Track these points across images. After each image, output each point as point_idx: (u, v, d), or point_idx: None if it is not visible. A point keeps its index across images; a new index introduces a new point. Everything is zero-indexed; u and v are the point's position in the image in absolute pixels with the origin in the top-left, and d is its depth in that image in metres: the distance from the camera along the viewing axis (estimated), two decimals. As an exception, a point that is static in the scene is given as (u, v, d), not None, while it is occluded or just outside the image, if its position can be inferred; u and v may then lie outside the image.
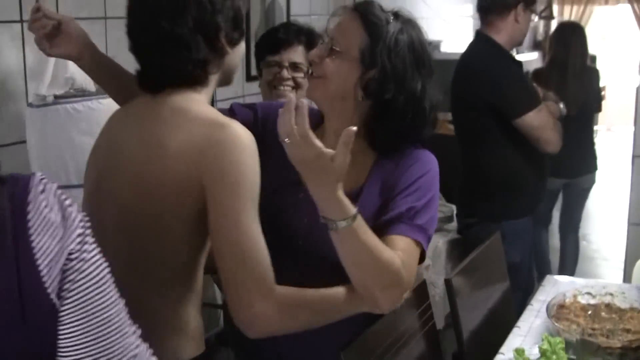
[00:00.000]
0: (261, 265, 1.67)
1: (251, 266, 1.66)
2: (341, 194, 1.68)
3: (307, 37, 2.94)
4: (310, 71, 2.02)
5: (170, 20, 1.75)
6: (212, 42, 1.79)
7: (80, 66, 2.08)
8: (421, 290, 2.43)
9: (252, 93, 2.93)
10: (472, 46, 3.88)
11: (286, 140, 1.62)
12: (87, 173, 1.93)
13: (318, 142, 1.62)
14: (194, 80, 1.80)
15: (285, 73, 2.87)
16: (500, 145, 3.60)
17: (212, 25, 1.78)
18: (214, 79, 1.84)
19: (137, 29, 1.81)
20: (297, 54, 2.90)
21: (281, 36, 2.90)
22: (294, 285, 1.76)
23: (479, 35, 3.79)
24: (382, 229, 1.84)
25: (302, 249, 1.96)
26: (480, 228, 3.50)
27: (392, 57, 1.92)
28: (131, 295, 1.31)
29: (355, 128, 1.63)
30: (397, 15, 1.99)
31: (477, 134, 3.70)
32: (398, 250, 1.82)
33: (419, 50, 1.97)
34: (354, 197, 1.83)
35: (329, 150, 1.63)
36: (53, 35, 1.98)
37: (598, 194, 6.57)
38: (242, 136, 1.69)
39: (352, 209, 1.70)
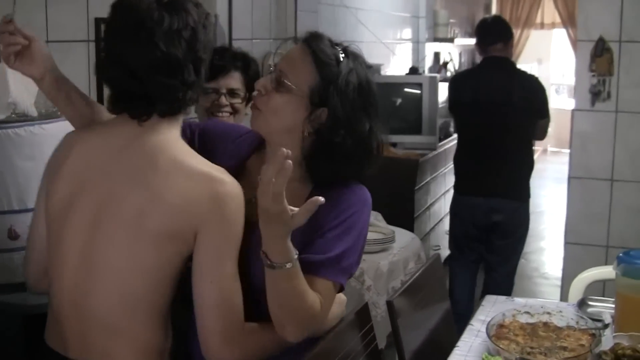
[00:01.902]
0: (234, 311, 1.82)
1: (225, 310, 1.82)
2: (288, 239, 1.76)
3: (243, 62, 2.96)
4: (246, 95, 2.06)
5: (167, 43, 1.83)
6: (198, 70, 1.91)
7: (40, 87, 2.08)
8: (363, 312, 2.45)
9: (192, 117, 2.95)
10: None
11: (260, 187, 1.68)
12: (50, 194, 1.96)
13: (285, 202, 1.69)
14: (180, 107, 1.93)
15: (223, 100, 2.89)
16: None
17: (199, 53, 1.91)
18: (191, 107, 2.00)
19: (128, 52, 1.84)
20: (234, 80, 2.91)
21: (217, 63, 2.85)
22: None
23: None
24: (307, 267, 1.88)
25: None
26: None
27: (343, 100, 1.94)
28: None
29: (321, 199, 1.70)
30: (346, 51, 2.01)
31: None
32: (318, 293, 1.90)
33: (367, 91, 2.01)
34: None
35: (293, 209, 1.70)
36: (19, 52, 1.98)
37: (536, 213, 6.70)
38: (236, 189, 1.87)
39: (294, 255, 1.79)
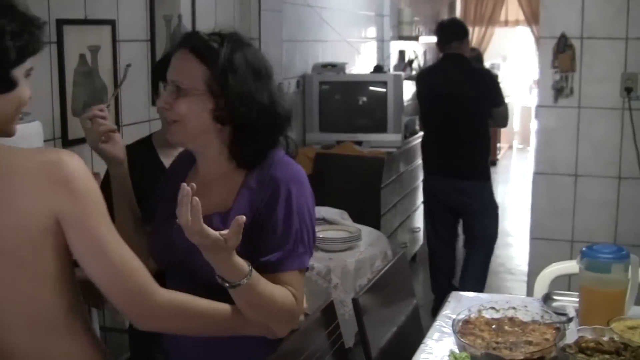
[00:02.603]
0: (134, 273, 1.78)
1: (124, 277, 1.77)
2: (235, 258, 1.84)
3: None
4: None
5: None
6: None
7: (118, 170, 2.26)
8: (329, 310, 2.45)
9: (157, 118, 2.93)
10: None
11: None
12: None
13: (212, 232, 1.76)
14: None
15: None
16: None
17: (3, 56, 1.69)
18: None
19: None
20: None
21: None
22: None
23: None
24: (269, 267, 1.98)
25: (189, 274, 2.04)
26: None
27: (236, 78, 2.02)
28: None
29: (244, 217, 1.78)
30: (222, 35, 2.07)
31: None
32: (288, 286, 1.99)
33: (254, 61, 2.07)
34: (222, 219, 1.99)
35: (222, 235, 1.77)
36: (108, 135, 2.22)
37: (502, 210, 6.75)
38: (73, 162, 1.73)
39: (246, 268, 1.86)
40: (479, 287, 5.43)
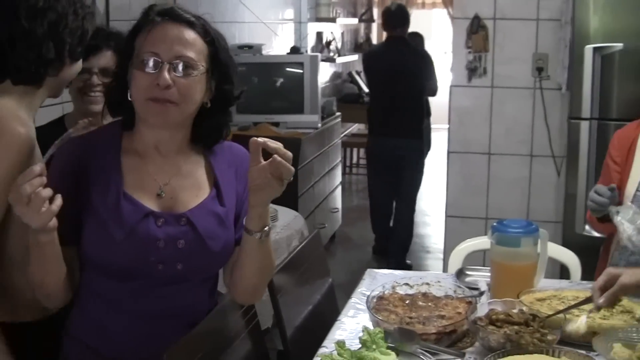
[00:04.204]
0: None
1: None
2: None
3: (117, 41, 2.88)
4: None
5: (29, 20, 1.95)
6: (59, 50, 2.02)
7: (48, 239, 1.91)
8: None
9: (69, 100, 2.86)
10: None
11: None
12: None
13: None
14: (34, 79, 2.02)
15: (95, 79, 2.80)
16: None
17: (62, 34, 2.02)
18: (48, 84, 2.06)
19: None
20: (106, 59, 2.82)
21: (89, 42, 2.80)
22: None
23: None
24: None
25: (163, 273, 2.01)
26: None
27: (224, 55, 2.03)
28: None
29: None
30: (196, 15, 2.03)
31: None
32: None
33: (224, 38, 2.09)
34: (214, 201, 2.06)
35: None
36: None
37: (421, 188, 6.85)
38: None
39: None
40: (410, 238, 6.68)
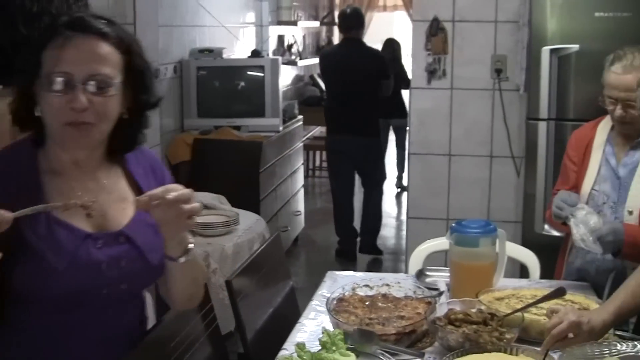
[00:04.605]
0: None
1: None
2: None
3: None
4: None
5: (26, 26, 2.02)
6: None
7: None
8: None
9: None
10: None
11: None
12: None
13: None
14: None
15: None
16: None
17: None
18: None
19: None
20: None
21: None
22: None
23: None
24: None
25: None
26: None
27: (139, 63, 1.90)
28: None
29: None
30: (104, 17, 1.89)
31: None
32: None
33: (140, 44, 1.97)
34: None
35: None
36: None
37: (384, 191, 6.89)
38: None
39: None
40: (379, 220, 6.96)
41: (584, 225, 2.72)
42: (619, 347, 2.14)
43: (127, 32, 1.90)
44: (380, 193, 6.98)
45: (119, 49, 1.84)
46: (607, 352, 2.10)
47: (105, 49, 1.81)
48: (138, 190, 1.96)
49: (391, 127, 8.85)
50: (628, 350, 2.11)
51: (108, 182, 1.95)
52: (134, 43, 1.89)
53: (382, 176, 7.03)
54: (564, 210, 2.80)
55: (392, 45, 8.65)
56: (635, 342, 2.14)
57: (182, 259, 1.88)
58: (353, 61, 6.49)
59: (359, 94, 6.47)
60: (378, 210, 6.95)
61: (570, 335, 2.11)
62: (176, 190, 1.76)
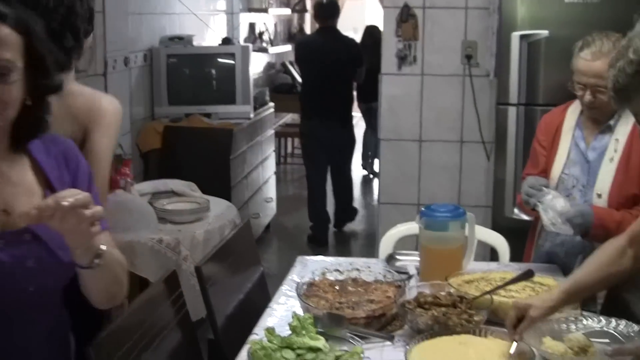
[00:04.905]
0: None
1: None
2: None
3: None
4: None
5: (45, 20, 1.97)
6: (76, 36, 2.27)
7: None
8: (172, 280, 2.42)
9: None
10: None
11: None
12: None
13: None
14: (63, 66, 2.10)
15: None
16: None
17: (75, 23, 2.26)
18: (74, 64, 2.33)
19: None
20: None
21: None
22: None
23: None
24: None
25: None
26: None
27: (39, 45, 1.77)
28: None
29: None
30: None
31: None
32: (111, 246, 1.87)
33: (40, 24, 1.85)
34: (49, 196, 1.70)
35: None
36: None
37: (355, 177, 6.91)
38: None
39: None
40: (351, 186, 7.31)
41: (552, 209, 2.73)
42: (585, 322, 2.16)
43: (26, 12, 1.80)
44: (349, 173, 7.27)
45: (17, 29, 1.71)
46: (574, 327, 2.13)
47: (4, 31, 1.69)
48: (46, 182, 1.84)
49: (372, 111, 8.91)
50: (594, 326, 2.14)
51: (13, 174, 1.81)
52: (33, 22, 1.78)
53: (351, 161, 7.26)
54: (532, 197, 2.82)
55: (372, 32, 8.67)
56: (602, 317, 2.16)
57: (95, 264, 1.72)
58: (329, 50, 6.69)
59: (334, 82, 6.68)
60: (349, 188, 7.27)
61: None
62: (73, 195, 1.60)
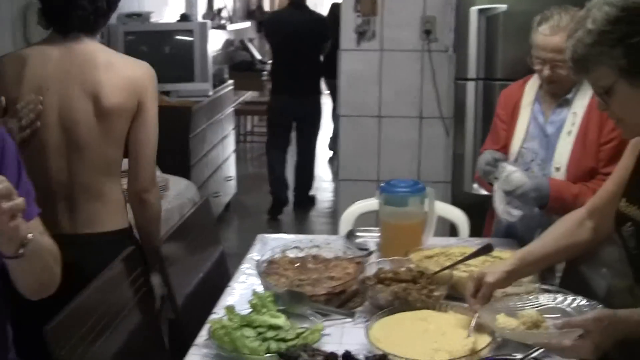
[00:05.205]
0: None
1: None
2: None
3: None
4: None
5: None
6: (110, 2, 2.56)
7: None
8: (132, 259, 2.39)
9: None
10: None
11: None
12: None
13: None
14: (94, 27, 2.56)
15: None
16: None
17: None
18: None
19: None
20: None
21: None
22: None
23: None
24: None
25: None
26: None
27: None
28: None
29: None
30: None
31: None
32: (41, 233, 1.84)
33: None
34: None
35: None
36: None
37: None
38: None
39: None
40: (312, 175, 7.46)
41: (509, 184, 2.74)
42: (540, 299, 2.18)
43: None
44: (313, 149, 7.43)
45: None
46: (529, 304, 2.14)
47: None
48: None
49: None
50: (550, 303, 2.15)
51: None
52: None
53: (317, 132, 7.40)
54: (489, 174, 2.83)
55: (334, 10, 8.56)
56: (558, 295, 2.18)
57: (20, 254, 1.67)
58: (298, 24, 6.94)
59: (302, 56, 6.93)
60: (311, 165, 7.42)
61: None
62: None
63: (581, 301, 2.11)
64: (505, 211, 2.78)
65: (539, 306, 2.13)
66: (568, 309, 2.10)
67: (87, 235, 2.55)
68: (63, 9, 2.49)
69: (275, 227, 6.59)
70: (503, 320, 2.01)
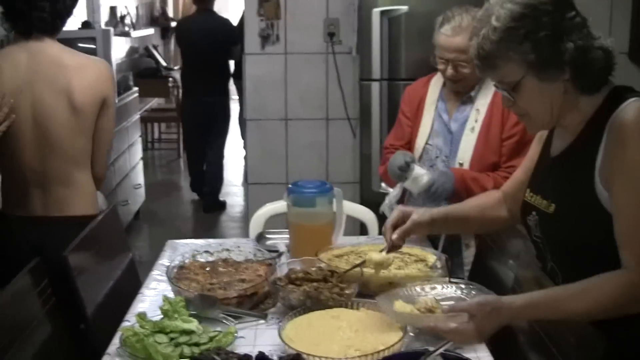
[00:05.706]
0: None
1: None
2: None
3: None
4: None
5: None
6: (68, 5, 2.87)
7: None
8: (37, 271, 2.34)
9: None
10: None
11: None
12: None
13: None
14: (52, 28, 2.83)
15: None
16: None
17: None
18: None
19: None
20: None
21: None
22: None
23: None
24: None
25: None
26: None
27: None
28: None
29: None
30: None
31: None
32: None
33: None
34: None
35: None
36: None
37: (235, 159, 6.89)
38: None
39: None
40: (221, 179, 7.62)
41: (415, 186, 2.84)
42: (438, 289, 2.23)
43: None
44: (221, 152, 7.66)
45: None
46: (430, 294, 2.19)
47: None
48: None
49: None
50: (452, 294, 2.20)
51: None
52: None
53: (225, 134, 7.66)
54: (401, 178, 2.90)
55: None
56: (460, 286, 2.23)
57: None
58: (205, 30, 7.18)
59: (210, 60, 7.21)
60: (219, 169, 7.62)
61: None
62: None
63: (480, 289, 2.17)
64: (388, 206, 2.89)
65: (440, 296, 2.18)
66: (467, 298, 2.15)
67: (57, 218, 2.91)
68: (24, 10, 2.76)
69: (185, 233, 6.54)
70: (400, 306, 2.06)
